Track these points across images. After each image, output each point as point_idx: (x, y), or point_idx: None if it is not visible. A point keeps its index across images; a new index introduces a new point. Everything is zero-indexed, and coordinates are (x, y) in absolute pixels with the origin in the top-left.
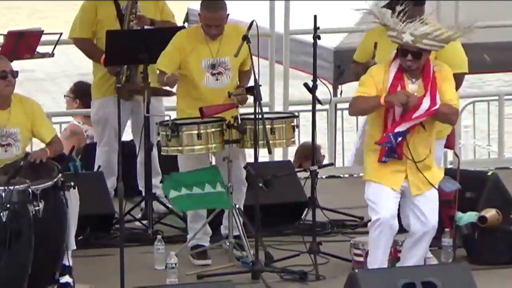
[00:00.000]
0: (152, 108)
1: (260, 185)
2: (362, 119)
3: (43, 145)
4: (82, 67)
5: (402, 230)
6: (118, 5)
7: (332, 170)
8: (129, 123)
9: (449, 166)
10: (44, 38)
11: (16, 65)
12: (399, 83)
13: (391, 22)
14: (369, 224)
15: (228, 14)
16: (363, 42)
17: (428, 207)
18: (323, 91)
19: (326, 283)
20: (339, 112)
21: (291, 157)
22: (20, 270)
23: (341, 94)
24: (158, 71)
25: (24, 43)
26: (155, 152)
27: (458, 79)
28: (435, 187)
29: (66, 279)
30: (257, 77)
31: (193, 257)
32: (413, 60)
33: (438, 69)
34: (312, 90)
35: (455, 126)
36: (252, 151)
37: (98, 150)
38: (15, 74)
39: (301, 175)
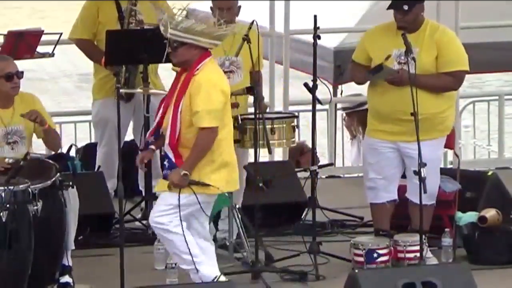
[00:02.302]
0: (153, 107)
1: (260, 185)
2: None
3: (43, 148)
4: (82, 67)
5: (404, 230)
6: (119, 7)
7: (332, 170)
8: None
9: (449, 166)
10: (44, 38)
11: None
12: (178, 77)
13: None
14: None
15: (240, 6)
16: (362, 42)
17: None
18: (323, 91)
19: (326, 283)
20: (339, 112)
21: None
22: (20, 270)
23: (341, 94)
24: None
25: (24, 43)
26: (157, 152)
27: (459, 76)
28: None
29: (66, 279)
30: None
31: None
32: (171, 52)
33: (197, 73)
34: (312, 90)
35: (455, 126)
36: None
37: (98, 152)
38: (20, 75)
39: (301, 175)
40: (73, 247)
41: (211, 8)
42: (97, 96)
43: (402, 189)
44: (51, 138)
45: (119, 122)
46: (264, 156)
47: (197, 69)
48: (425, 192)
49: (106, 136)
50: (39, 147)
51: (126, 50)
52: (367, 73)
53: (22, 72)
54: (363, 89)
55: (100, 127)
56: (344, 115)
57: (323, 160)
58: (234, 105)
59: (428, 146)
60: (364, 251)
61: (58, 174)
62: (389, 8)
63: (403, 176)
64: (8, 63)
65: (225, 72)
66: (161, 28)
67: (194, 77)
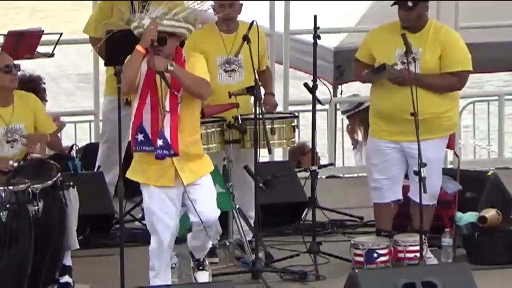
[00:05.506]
0: None
1: (260, 185)
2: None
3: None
4: (82, 67)
5: (404, 229)
6: (133, 6)
7: (332, 170)
8: None
9: (449, 166)
10: (44, 38)
11: None
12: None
13: (127, 15)
14: None
15: (242, 4)
16: (366, 41)
17: (202, 195)
18: (323, 91)
19: (326, 283)
20: (339, 112)
21: None
22: (20, 270)
23: (341, 94)
24: None
25: (24, 43)
26: None
27: (463, 76)
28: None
29: (66, 279)
30: (257, 77)
31: None
32: (157, 47)
33: (191, 55)
34: (312, 90)
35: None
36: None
37: (100, 146)
38: (18, 68)
39: (301, 175)
40: (77, 247)
41: (212, 7)
42: (107, 92)
43: (405, 189)
44: (52, 142)
45: (120, 122)
46: (264, 156)
47: (184, 57)
48: (425, 192)
49: (107, 131)
50: None
51: (126, 50)
52: (369, 73)
53: (19, 65)
54: (361, 89)
55: (104, 121)
56: (347, 120)
57: (323, 160)
58: (234, 106)
59: (431, 146)
60: (364, 251)
61: (59, 174)
62: (394, 4)
63: (406, 176)
64: (5, 57)
65: (226, 71)
66: (149, 21)
67: (194, 56)
